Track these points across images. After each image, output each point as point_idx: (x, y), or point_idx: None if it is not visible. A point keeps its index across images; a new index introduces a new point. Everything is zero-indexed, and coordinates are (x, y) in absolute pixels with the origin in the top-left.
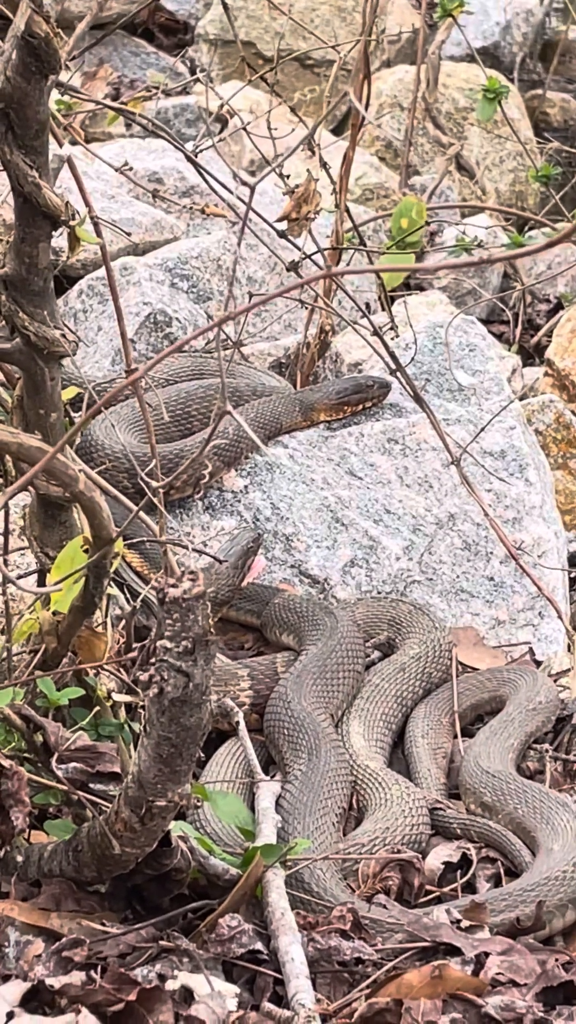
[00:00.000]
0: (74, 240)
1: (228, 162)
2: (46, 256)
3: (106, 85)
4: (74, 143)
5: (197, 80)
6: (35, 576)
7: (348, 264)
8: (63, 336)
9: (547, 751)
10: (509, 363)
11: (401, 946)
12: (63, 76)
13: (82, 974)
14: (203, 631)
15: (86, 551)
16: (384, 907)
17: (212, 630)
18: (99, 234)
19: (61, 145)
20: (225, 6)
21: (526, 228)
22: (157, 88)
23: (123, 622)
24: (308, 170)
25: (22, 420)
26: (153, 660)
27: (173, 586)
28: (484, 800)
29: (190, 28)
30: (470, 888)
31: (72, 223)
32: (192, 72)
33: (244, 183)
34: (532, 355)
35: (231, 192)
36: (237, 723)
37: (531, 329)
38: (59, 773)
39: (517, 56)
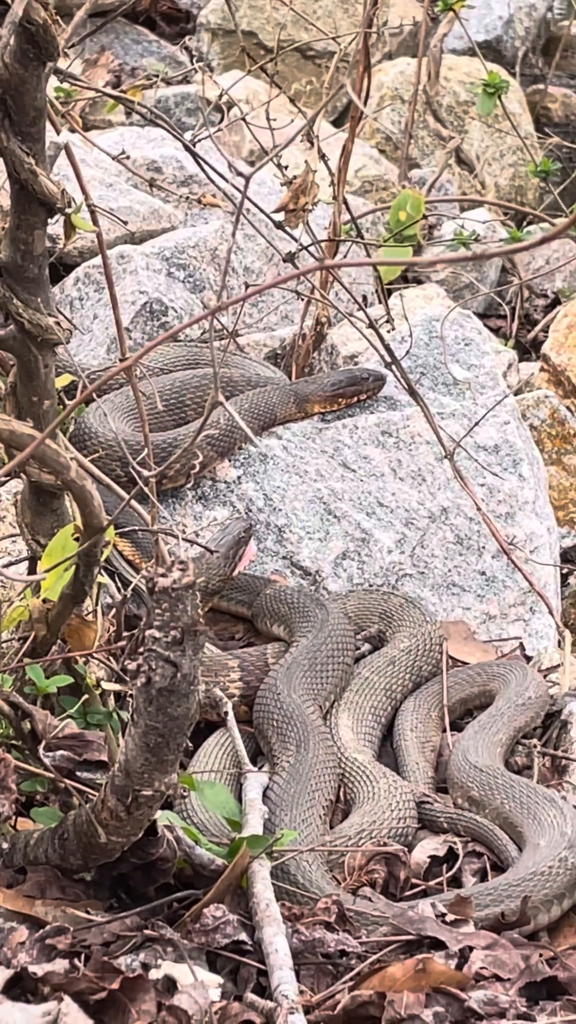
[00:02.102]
0: (70, 228)
1: (227, 152)
2: (41, 243)
3: (107, 73)
4: (73, 131)
5: (196, 69)
6: (26, 564)
7: (345, 256)
8: (57, 324)
9: (535, 746)
10: (505, 358)
11: (385, 939)
12: (63, 63)
13: (65, 962)
14: (192, 621)
15: (77, 539)
16: (369, 900)
17: (201, 620)
18: (95, 222)
19: (59, 132)
20: None
21: (524, 223)
22: (157, 76)
23: (113, 611)
24: (306, 161)
25: (15, 407)
26: (141, 649)
27: (162, 575)
28: (471, 794)
29: (192, 17)
30: (456, 882)
31: (68, 211)
32: (192, 60)
33: (239, 173)
34: (528, 350)
35: (229, 182)
36: (226, 714)
37: (528, 324)
38: (46, 761)
39: (519, 51)
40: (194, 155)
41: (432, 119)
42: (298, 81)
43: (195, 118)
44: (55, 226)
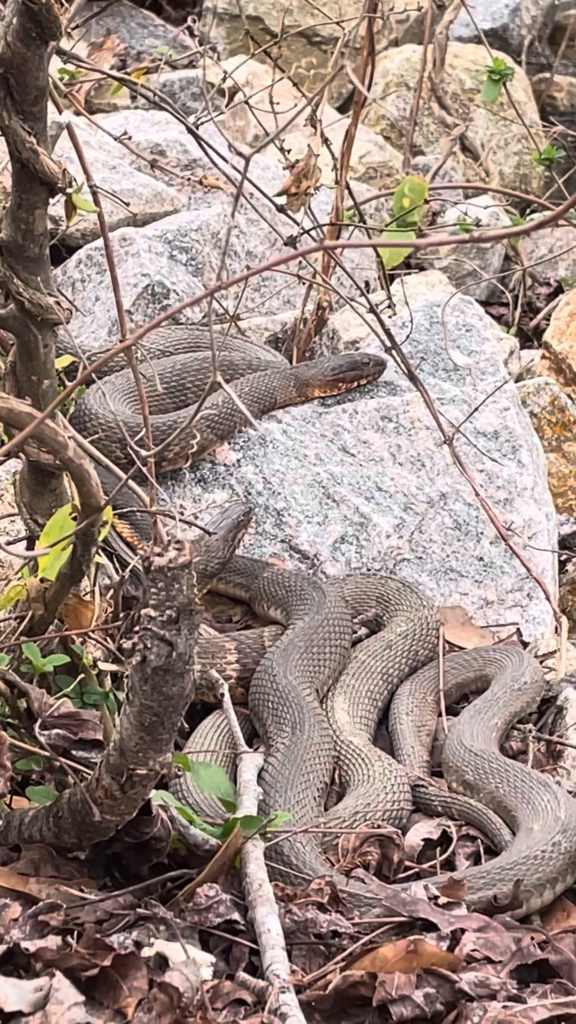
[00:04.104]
0: (71, 208)
1: (231, 137)
2: (42, 223)
3: (112, 56)
4: (78, 114)
5: (201, 52)
6: (24, 543)
7: (350, 238)
8: (57, 303)
9: (531, 731)
10: (507, 345)
11: (378, 920)
12: (67, 44)
13: (58, 938)
14: (188, 601)
15: (75, 519)
16: (362, 881)
17: (197, 600)
18: (97, 203)
19: (61, 112)
20: None
21: (528, 211)
22: (161, 59)
23: (111, 592)
24: (308, 145)
25: (14, 386)
26: (137, 628)
27: (159, 555)
28: (466, 778)
29: (199, 1)
30: (449, 865)
31: (69, 191)
32: (200, 44)
33: (239, 153)
34: (530, 338)
35: (230, 164)
36: (222, 695)
37: (530, 312)
38: (42, 739)
39: (526, 39)
40: (196, 136)
41: (437, 106)
42: (303, 67)
43: (200, 103)
44: (57, 207)
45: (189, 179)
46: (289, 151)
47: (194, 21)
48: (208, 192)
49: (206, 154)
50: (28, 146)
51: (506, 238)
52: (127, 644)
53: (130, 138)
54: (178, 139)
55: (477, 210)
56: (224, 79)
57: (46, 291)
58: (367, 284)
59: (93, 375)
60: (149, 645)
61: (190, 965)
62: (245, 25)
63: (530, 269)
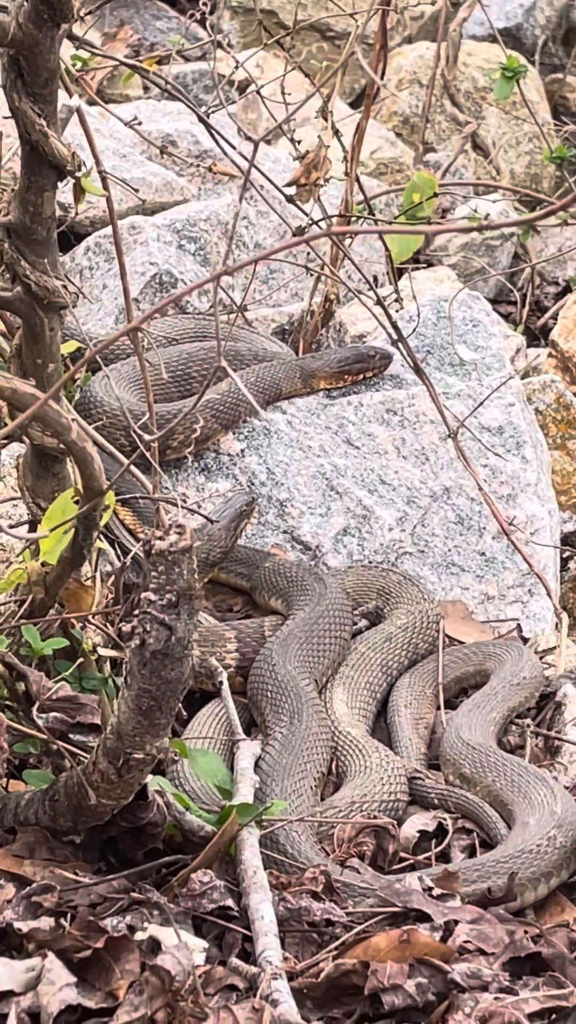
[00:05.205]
0: (80, 191)
1: (246, 129)
2: (50, 206)
3: (126, 47)
4: (92, 103)
5: (214, 44)
6: (26, 527)
7: (357, 234)
8: (64, 287)
9: (529, 726)
10: (514, 343)
11: (371, 910)
12: (80, 30)
13: (51, 920)
14: (188, 585)
15: (77, 503)
16: (357, 871)
17: (197, 584)
18: (106, 187)
19: (71, 95)
20: None
21: (538, 209)
22: (175, 49)
23: (112, 577)
24: (319, 136)
25: (20, 369)
26: (137, 612)
27: (160, 539)
28: (463, 771)
29: None
30: (444, 857)
31: (78, 174)
32: (210, 33)
33: (249, 138)
34: (538, 336)
35: (241, 154)
36: (220, 683)
37: (538, 310)
38: (39, 722)
39: (539, 39)
40: (206, 124)
41: (449, 103)
42: (317, 60)
43: (212, 96)
44: (67, 195)
45: (198, 166)
46: (299, 141)
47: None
48: (218, 183)
49: (215, 142)
50: (38, 128)
51: (517, 226)
52: (126, 628)
53: (140, 123)
54: (189, 130)
55: (487, 207)
56: (236, 68)
57: (53, 274)
58: (375, 278)
59: (99, 362)
60: (148, 629)
61: (182, 949)
62: (259, 17)
63: (538, 268)
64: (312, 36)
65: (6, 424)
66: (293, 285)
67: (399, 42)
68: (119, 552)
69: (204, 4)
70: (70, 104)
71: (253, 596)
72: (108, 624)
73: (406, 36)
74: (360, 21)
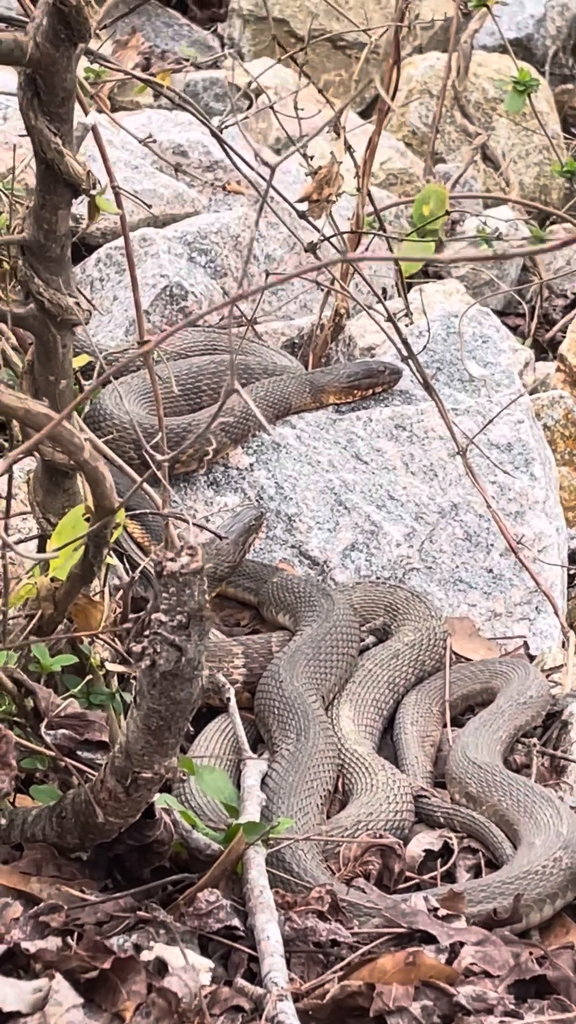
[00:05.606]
0: (94, 209)
1: (253, 140)
2: (65, 223)
3: (137, 55)
4: (100, 111)
5: (226, 56)
6: (35, 542)
7: (368, 248)
8: (77, 304)
9: (535, 745)
10: (522, 356)
11: (377, 931)
12: (94, 44)
13: (58, 940)
14: (198, 606)
15: (87, 520)
16: (363, 891)
17: (208, 606)
18: (120, 205)
19: (87, 113)
20: None
21: (548, 222)
22: (187, 61)
23: (121, 592)
24: (332, 152)
25: (32, 386)
26: (147, 632)
27: (171, 560)
28: (469, 790)
29: (224, 2)
30: (450, 877)
31: (93, 192)
32: (223, 47)
33: (265, 163)
34: (546, 350)
35: (254, 169)
36: (228, 699)
37: (546, 324)
38: (47, 739)
39: (550, 49)
40: (221, 142)
41: (460, 115)
42: (327, 71)
43: (223, 103)
44: (78, 206)
45: (212, 183)
46: (312, 156)
47: (213, 27)
48: (229, 194)
49: (231, 161)
50: (53, 147)
51: (532, 254)
52: (137, 648)
53: (155, 141)
54: (200, 140)
55: (497, 221)
56: (250, 84)
57: (67, 292)
58: (384, 291)
59: (110, 376)
60: (159, 650)
61: (189, 971)
62: (272, 29)
63: (547, 281)
64: (322, 46)
65: (17, 440)
66: (303, 297)
67: (409, 52)
68: (127, 566)
69: (226, 25)
70: (85, 122)
71: (260, 611)
72: (116, 639)
73: (416, 46)
74: (374, 37)
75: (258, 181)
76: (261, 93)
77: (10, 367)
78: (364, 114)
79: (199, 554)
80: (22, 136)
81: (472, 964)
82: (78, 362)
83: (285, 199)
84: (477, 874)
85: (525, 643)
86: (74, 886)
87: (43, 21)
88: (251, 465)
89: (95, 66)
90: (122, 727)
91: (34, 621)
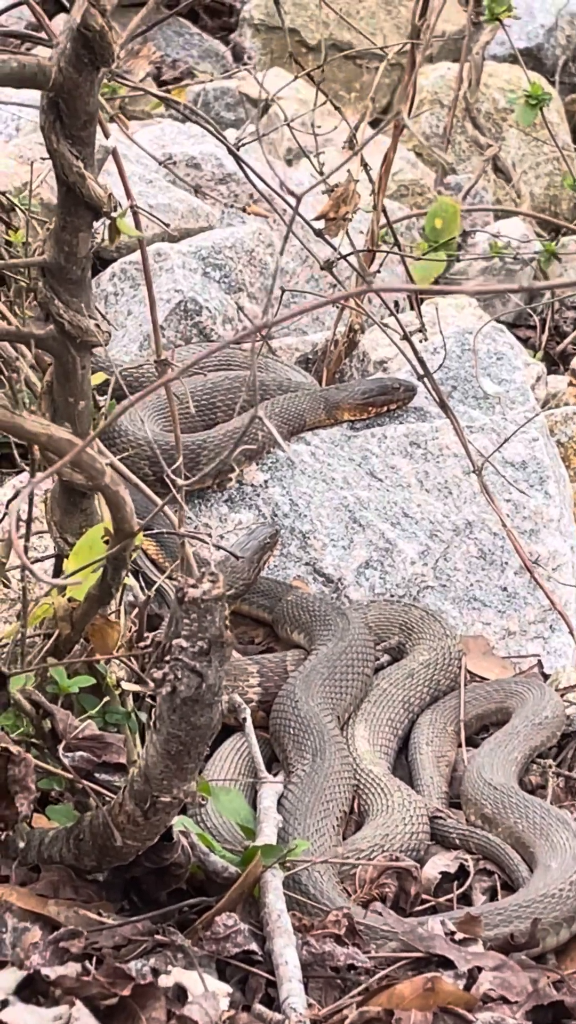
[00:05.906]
0: (114, 231)
1: (266, 150)
2: (85, 246)
3: (148, 64)
4: (111, 120)
5: (247, 71)
6: (52, 561)
7: (382, 264)
8: (97, 326)
9: (550, 766)
10: (534, 370)
11: (394, 955)
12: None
13: (78, 965)
14: (219, 632)
15: (106, 542)
16: (380, 914)
17: (229, 632)
18: (137, 223)
19: (107, 136)
20: None
21: (559, 234)
22: (204, 73)
23: (136, 610)
24: (348, 171)
25: (50, 406)
26: (168, 658)
27: (192, 586)
28: (485, 812)
29: (235, 11)
30: (466, 899)
31: (114, 215)
32: (235, 55)
33: (291, 192)
34: (557, 362)
35: (273, 190)
36: (244, 719)
37: (557, 336)
38: (65, 761)
39: (560, 59)
40: (238, 160)
41: (471, 126)
42: (340, 82)
43: (234, 113)
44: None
45: (232, 204)
46: (323, 164)
47: (224, 36)
48: (245, 210)
49: (252, 184)
50: (75, 170)
51: (559, 288)
52: (157, 674)
53: (174, 163)
54: (213, 152)
55: (509, 234)
56: (267, 100)
57: (87, 313)
58: (396, 304)
59: (125, 391)
60: (179, 676)
61: (209, 998)
62: (286, 39)
63: (557, 292)
64: (332, 54)
65: (36, 461)
66: (316, 311)
67: (420, 62)
68: (142, 583)
69: (238, 35)
70: (106, 145)
71: (275, 629)
72: (132, 659)
73: (427, 55)
74: (389, 55)
75: (274, 198)
76: (272, 103)
77: (29, 387)
78: (374, 124)
79: (220, 580)
80: (39, 149)
81: (490, 990)
82: (95, 379)
83: (302, 217)
84: (493, 896)
85: (539, 662)
86: (91, 909)
87: (67, 46)
88: (266, 482)
89: (111, 83)
90: (139, 748)
91: (51, 641)
